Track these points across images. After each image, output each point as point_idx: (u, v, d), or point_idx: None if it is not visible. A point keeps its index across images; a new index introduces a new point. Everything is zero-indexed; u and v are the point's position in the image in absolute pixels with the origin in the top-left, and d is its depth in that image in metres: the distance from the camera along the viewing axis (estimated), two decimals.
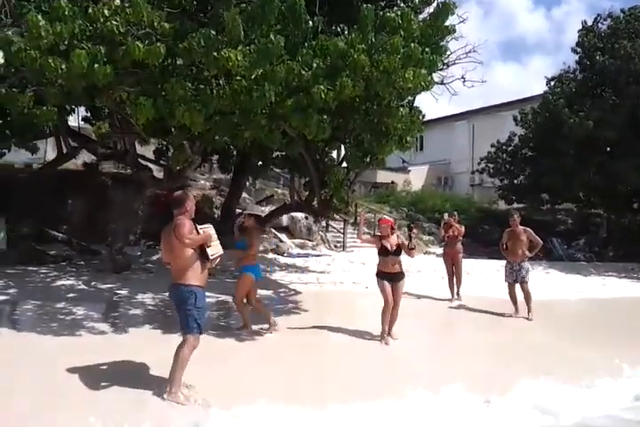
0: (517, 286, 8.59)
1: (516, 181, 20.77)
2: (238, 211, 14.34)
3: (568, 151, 17.82)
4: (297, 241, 16.05)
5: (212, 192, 16.83)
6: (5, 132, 8.91)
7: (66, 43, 5.94)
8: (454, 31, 7.61)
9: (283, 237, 15.56)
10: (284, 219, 16.31)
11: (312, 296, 9.09)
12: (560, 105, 17.84)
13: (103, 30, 5.98)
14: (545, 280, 13.11)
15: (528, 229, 8.74)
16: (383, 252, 6.68)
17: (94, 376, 4.45)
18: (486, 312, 8.70)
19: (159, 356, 4.56)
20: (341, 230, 16.91)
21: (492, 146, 21.42)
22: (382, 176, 29.38)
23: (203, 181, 17.75)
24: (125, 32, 6.07)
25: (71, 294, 7.77)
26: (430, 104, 55.63)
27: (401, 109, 7.63)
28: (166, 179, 9.03)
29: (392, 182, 28.05)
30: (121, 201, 11.40)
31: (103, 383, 4.31)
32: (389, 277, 6.61)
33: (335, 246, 16.37)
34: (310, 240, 16.15)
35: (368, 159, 8.54)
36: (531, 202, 20.47)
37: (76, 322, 6.34)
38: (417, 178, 30.74)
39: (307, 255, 14.21)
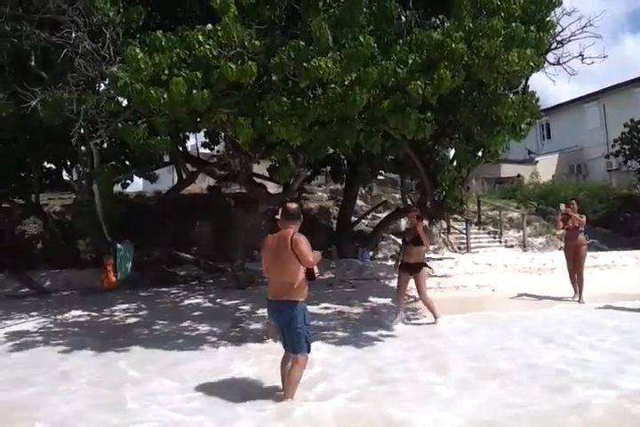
0: None
1: None
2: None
3: None
4: None
5: (330, 203, 16.91)
6: (126, 163, 9.60)
7: (166, 72, 6.19)
8: (560, 4, 6.92)
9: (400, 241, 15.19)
10: (403, 223, 15.94)
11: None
12: None
13: (198, 55, 6.16)
14: None
15: None
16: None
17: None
18: None
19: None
20: (464, 231, 16.16)
21: (626, 125, 19.46)
22: (507, 170, 27.88)
23: (320, 193, 17.93)
24: (218, 54, 6.22)
25: (197, 313, 8.08)
26: (555, 88, 52.15)
27: (510, 96, 7.10)
28: (279, 194, 9.16)
29: (518, 176, 26.50)
30: (241, 219, 11.72)
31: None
32: None
33: (459, 248, 15.68)
34: (432, 244, 15.59)
35: (480, 153, 8.04)
36: None
37: (200, 337, 6.55)
38: (546, 169, 28.77)
39: (427, 259, 13.69)
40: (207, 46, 6.21)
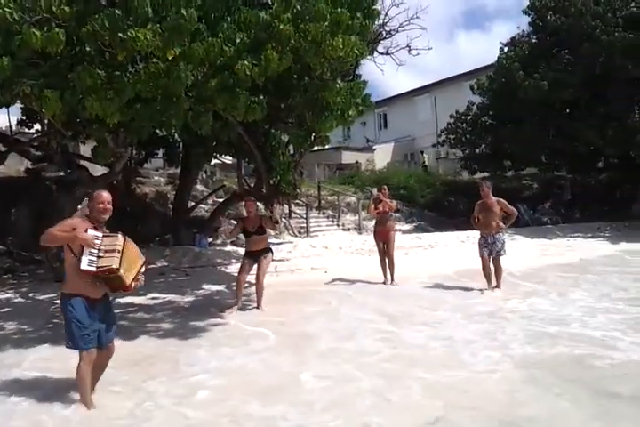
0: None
1: (477, 151, 20.54)
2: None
3: (526, 116, 17.62)
4: None
5: (168, 188, 16.19)
6: None
7: None
8: None
9: None
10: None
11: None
12: (514, 68, 17.56)
13: None
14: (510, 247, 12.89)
15: (502, 200, 8.10)
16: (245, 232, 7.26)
17: None
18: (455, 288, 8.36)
19: None
20: (304, 216, 16.47)
21: (451, 116, 21.14)
22: (347, 157, 29.07)
23: (157, 177, 17.08)
24: (20, 19, 5.48)
25: (5, 309, 7.21)
26: (398, 81, 55.23)
27: (338, 82, 7.19)
28: (102, 177, 8.45)
29: (356, 162, 27.71)
30: (63, 205, 10.70)
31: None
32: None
33: (299, 232, 15.95)
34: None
35: (312, 138, 8.10)
36: (494, 170, 20.31)
37: (5, 337, 5.83)
38: (383, 156, 30.53)
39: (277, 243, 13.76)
40: (7, 9, 5.44)
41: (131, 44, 5.45)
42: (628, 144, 16.57)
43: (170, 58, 5.88)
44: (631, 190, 20.73)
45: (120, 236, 3.82)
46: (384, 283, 8.88)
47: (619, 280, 8.47)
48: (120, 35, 5.46)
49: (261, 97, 6.71)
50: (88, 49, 6.01)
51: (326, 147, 31.62)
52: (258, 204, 8.48)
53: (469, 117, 20.63)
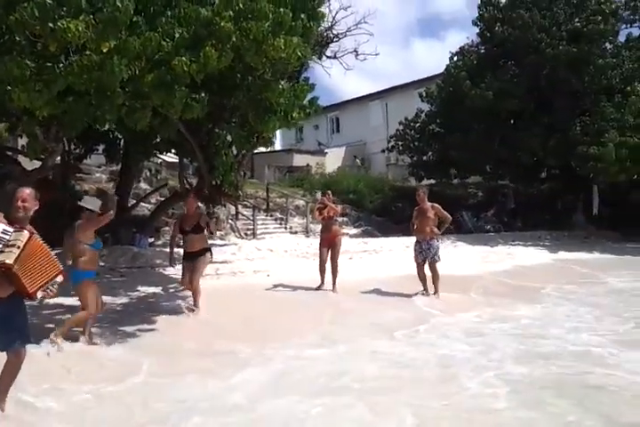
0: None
1: (425, 158, 20.86)
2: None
3: (472, 124, 18.02)
4: None
5: (109, 185, 15.70)
6: None
7: None
8: None
9: None
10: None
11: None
12: (462, 78, 17.94)
13: None
14: (451, 253, 13.15)
15: (436, 204, 8.20)
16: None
17: None
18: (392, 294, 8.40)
19: None
20: (251, 218, 16.29)
21: (400, 123, 21.41)
22: (298, 160, 28.99)
23: (98, 174, 16.54)
24: None
25: None
26: (350, 85, 55.50)
27: (282, 83, 7.11)
28: (33, 172, 8.08)
29: (307, 165, 27.68)
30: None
31: None
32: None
33: (245, 235, 15.76)
34: (218, 230, 15.42)
35: (255, 139, 8.00)
36: (440, 177, 20.66)
37: None
38: (334, 160, 30.55)
39: (211, 246, 13.50)
40: None
41: (61, 34, 5.25)
42: (569, 155, 17.16)
43: (104, 51, 5.68)
44: (572, 201, 21.50)
45: (25, 232, 3.53)
46: (318, 288, 8.67)
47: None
48: (50, 25, 5.26)
49: (202, 95, 6.58)
50: (18, 38, 5.76)
51: (277, 149, 31.65)
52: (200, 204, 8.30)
53: (418, 125, 20.95)
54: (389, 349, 5.61)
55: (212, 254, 7.44)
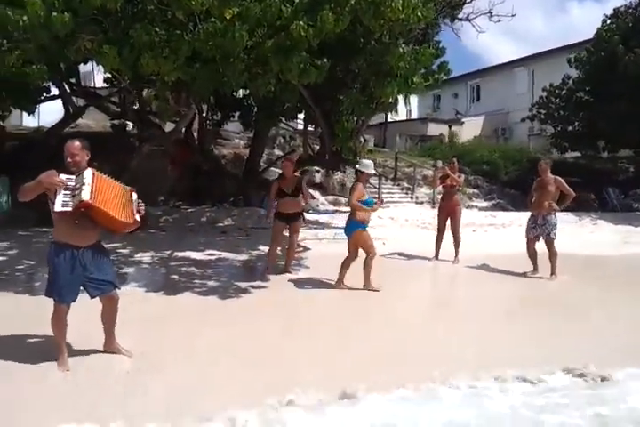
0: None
1: (570, 128, 19.18)
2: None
3: (624, 93, 16.17)
4: (330, 198, 15.65)
5: (246, 151, 16.50)
6: (1, 93, 8.75)
7: None
8: None
9: (315, 193, 15.14)
10: (317, 175, 15.90)
11: (317, 253, 8.68)
12: (615, 42, 16.11)
13: None
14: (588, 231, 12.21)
15: (558, 178, 7.62)
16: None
17: None
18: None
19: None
20: (377, 186, 16.26)
21: (544, 90, 19.82)
22: (433, 129, 28.18)
23: (237, 140, 17.45)
24: None
25: None
26: (492, 50, 52.46)
27: (402, 46, 6.92)
28: (165, 134, 8.71)
29: (440, 135, 26.87)
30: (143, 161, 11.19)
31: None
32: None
33: None
34: (344, 197, 15.64)
35: (374, 105, 7.91)
36: (586, 149, 18.97)
37: None
38: (471, 130, 29.30)
39: (333, 212, 13.76)
40: None
41: (186, 2, 5.51)
42: None
43: (227, 17, 5.91)
44: None
45: (88, 171, 3.57)
46: (431, 259, 8.67)
47: None
48: None
49: (324, 60, 6.61)
50: (150, 7, 6.18)
51: (413, 118, 30.90)
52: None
53: (564, 92, 19.24)
54: None
55: (304, 219, 7.58)
